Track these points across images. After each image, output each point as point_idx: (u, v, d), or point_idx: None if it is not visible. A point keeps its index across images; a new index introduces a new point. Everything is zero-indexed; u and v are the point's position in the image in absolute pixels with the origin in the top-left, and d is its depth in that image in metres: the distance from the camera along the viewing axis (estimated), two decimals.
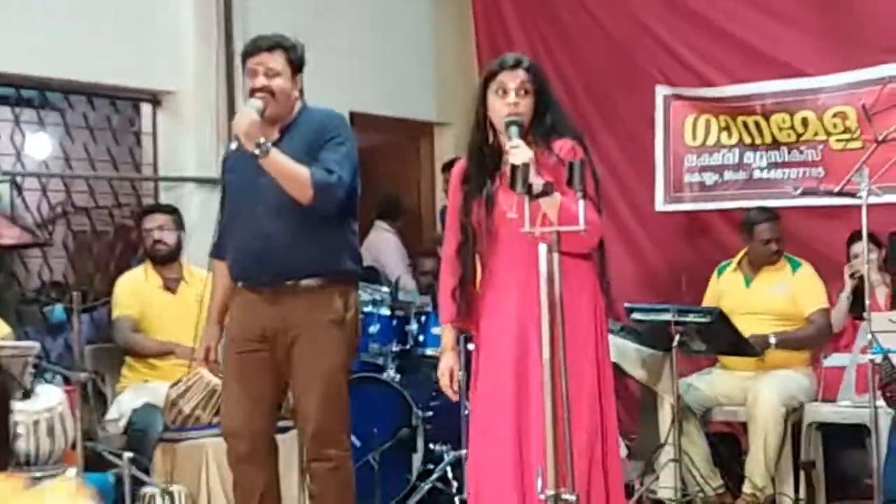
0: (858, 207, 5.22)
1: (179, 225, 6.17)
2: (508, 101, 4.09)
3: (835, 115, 6.96)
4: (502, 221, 4.07)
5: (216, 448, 5.19)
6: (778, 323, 6.17)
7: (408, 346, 6.36)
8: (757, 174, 7.32)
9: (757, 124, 7.26)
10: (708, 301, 6.45)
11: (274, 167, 4.31)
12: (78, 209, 7.00)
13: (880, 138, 5.45)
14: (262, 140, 4.26)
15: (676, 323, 5.78)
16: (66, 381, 5.23)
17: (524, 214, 3.74)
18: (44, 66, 6.32)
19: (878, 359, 5.10)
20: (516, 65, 4.14)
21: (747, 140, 7.31)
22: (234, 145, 4.28)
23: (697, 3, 7.46)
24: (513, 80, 4.12)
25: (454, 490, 6.00)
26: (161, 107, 7.05)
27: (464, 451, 5.98)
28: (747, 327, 6.05)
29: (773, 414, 5.83)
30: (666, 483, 5.91)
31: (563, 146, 4.10)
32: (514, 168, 3.80)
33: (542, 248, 3.69)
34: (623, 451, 5.04)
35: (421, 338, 6.37)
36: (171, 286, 6.10)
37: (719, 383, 6.23)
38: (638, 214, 7.60)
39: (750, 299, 6.27)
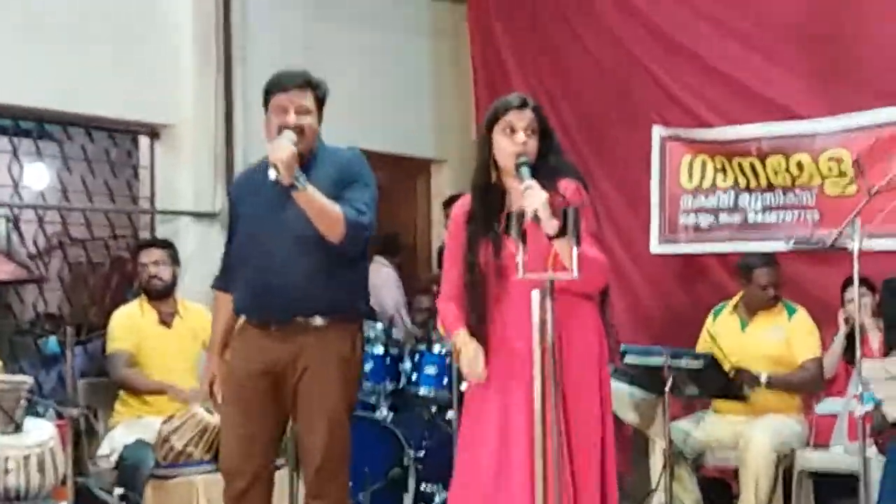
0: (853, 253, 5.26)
1: (175, 260, 6.17)
2: (517, 140, 4.10)
3: (830, 159, 6.98)
4: (510, 262, 4.01)
5: (207, 485, 5.19)
6: (771, 368, 6.17)
7: (401, 385, 6.35)
8: (752, 217, 7.33)
9: (752, 166, 7.28)
10: (703, 343, 6.46)
11: (309, 202, 4.29)
12: (74, 241, 7.02)
13: (872, 191, 5.49)
14: (299, 172, 4.25)
15: (669, 367, 5.79)
16: (59, 415, 5.23)
17: (519, 258, 3.74)
18: (42, 98, 6.35)
19: (869, 408, 5.10)
20: (523, 105, 4.14)
21: (742, 183, 7.33)
22: (273, 175, 4.19)
23: (695, 45, 7.49)
24: (521, 119, 4.12)
25: None
26: (159, 140, 7.08)
27: None
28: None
29: (764, 460, 5.82)
30: None
31: (567, 187, 4.11)
32: (508, 214, 3.82)
33: (536, 294, 3.69)
34: None
35: (414, 377, 6.36)
36: (166, 320, 6.11)
37: (711, 428, 6.22)
38: (633, 255, 7.61)
39: (745, 343, 6.28)
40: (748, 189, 7.33)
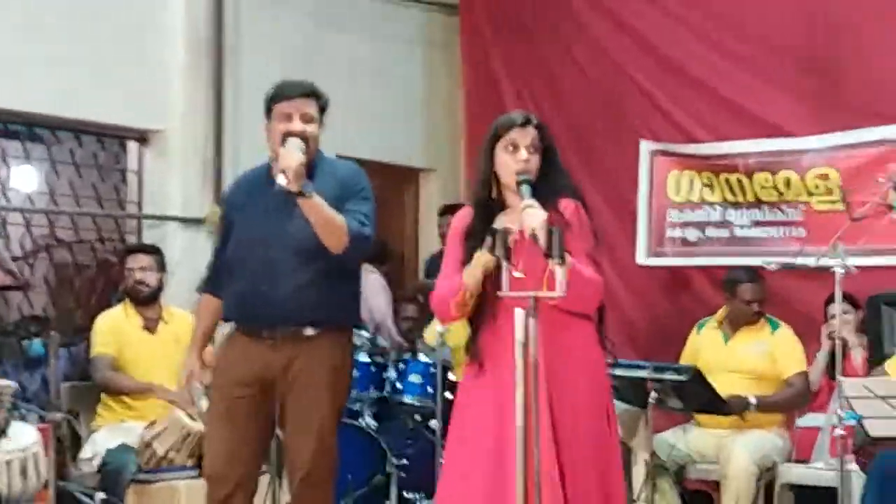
0: None
1: (162, 266, 6.17)
2: (519, 157, 4.08)
3: (817, 176, 7.01)
4: (509, 279, 3.95)
5: (189, 490, 5.20)
6: (754, 382, 6.19)
7: (385, 394, 6.36)
8: (739, 232, 7.36)
9: (739, 182, 7.31)
10: (686, 356, 6.48)
11: (315, 211, 4.29)
12: (61, 243, 7.02)
13: (855, 216, 5.55)
14: (307, 181, 4.26)
15: (653, 380, 5.79)
16: (41, 419, 5.22)
17: (504, 276, 3.75)
18: (32, 102, 6.36)
19: (851, 424, 5.11)
20: (527, 122, 4.13)
21: (730, 198, 7.36)
22: (281, 181, 4.19)
23: (685, 61, 7.51)
24: (524, 137, 4.10)
25: None
26: (148, 145, 7.09)
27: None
28: (723, 385, 6.04)
29: (745, 473, 5.84)
30: None
31: (567, 206, 4.11)
32: (493, 231, 3.84)
33: (519, 313, 3.70)
34: None
35: (399, 385, 6.37)
36: (150, 326, 6.10)
37: (694, 441, 6.24)
38: (619, 268, 7.62)
39: (728, 357, 6.30)
40: (735, 204, 7.36)
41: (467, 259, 4.12)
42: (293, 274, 4.42)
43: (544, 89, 8.14)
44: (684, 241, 7.51)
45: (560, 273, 3.79)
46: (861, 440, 5.26)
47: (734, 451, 5.91)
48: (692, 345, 6.51)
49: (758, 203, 7.26)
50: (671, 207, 7.55)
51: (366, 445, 6.11)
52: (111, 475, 5.52)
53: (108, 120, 6.80)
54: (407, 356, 6.54)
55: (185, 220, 7.02)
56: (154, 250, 6.25)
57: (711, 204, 7.45)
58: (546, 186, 4.09)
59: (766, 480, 5.96)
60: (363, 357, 6.30)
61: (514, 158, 4.09)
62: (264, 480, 4.99)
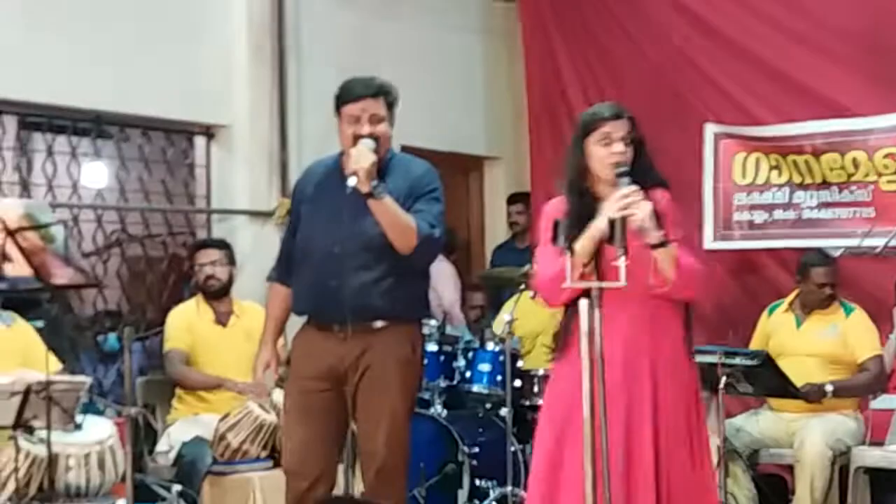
0: None
1: (231, 260, 6.23)
2: (615, 150, 4.12)
3: (886, 156, 6.95)
4: (608, 269, 4.03)
5: (263, 482, 5.25)
6: (827, 366, 6.13)
7: (455, 382, 6.38)
8: (807, 213, 7.31)
9: (807, 163, 7.25)
10: (757, 340, 6.44)
11: (384, 211, 4.32)
12: (132, 238, 7.10)
13: None
14: (378, 181, 4.29)
15: (723, 365, 5.77)
16: (118, 412, 5.30)
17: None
18: (100, 99, 6.44)
19: None
20: (619, 115, 4.17)
21: (797, 179, 7.30)
22: (352, 182, 4.24)
23: (748, 42, 7.46)
24: (618, 130, 4.14)
25: None
26: (214, 140, 7.15)
27: (510, 488, 6.02)
28: (796, 369, 6.02)
29: (819, 458, 5.81)
30: None
31: (663, 196, 4.15)
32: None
33: (583, 303, 3.70)
34: None
35: (468, 374, 6.38)
36: (222, 320, 6.17)
37: (766, 425, 6.20)
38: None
39: (800, 341, 6.25)
40: (803, 186, 7.30)
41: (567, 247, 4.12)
42: (361, 270, 4.45)
43: (606, 75, 8.11)
44: (751, 224, 7.46)
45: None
46: None
47: (808, 436, 5.87)
48: (763, 328, 6.47)
49: (826, 184, 7.21)
50: (737, 190, 7.51)
51: (437, 434, 6.14)
52: (187, 467, 5.59)
53: (175, 116, 6.87)
54: (476, 345, 6.55)
55: (252, 214, 7.08)
56: (223, 245, 6.31)
57: (778, 186, 7.40)
58: (638, 178, 4.10)
59: (841, 464, 5.91)
60: (432, 346, 6.31)
61: (609, 151, 4.12)
62: (339, 472, 5.04)
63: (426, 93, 7.79)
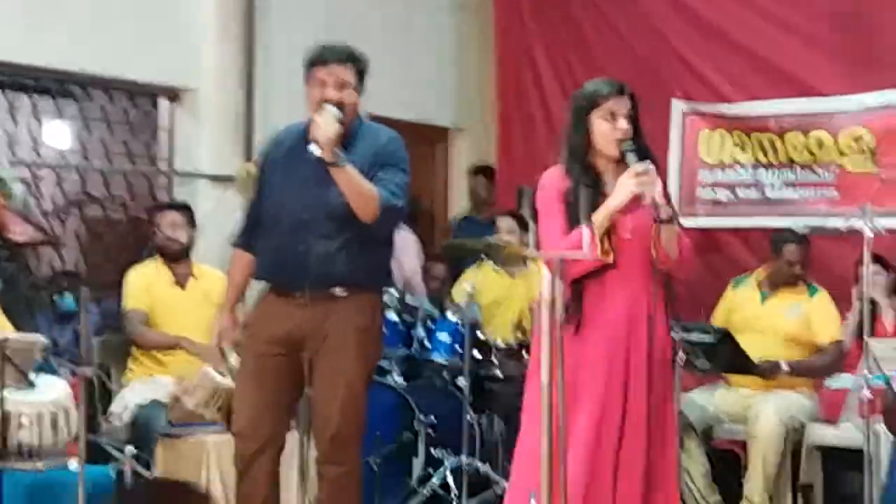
0: None
1: (192, 223, 6.20)
2: (620, 126, 4.20)
3: (850, 137, 6.97)
4: (620, 243, 4.18)
5: (218, 446, 5.22)
6: (786, 344, 6.16)
7: (413, 352, 6.37)
8: (770, 193, 7.34)
9: (772, 142, 7.28)
10: (720, 311, 6.45)
11: (347, 180, 4.31)
12: (92, 199, 7.05)
13: (884, 176, 5.52)
14: (340, 150, 4.27)
15: (681, 340, 5.77)
16: (72, 373, 5.27)
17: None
18: (64, 59, 6.38)
19: (879, 386, 5.11)
20: (622, 91, 4.25)
21: (762, 158, 7.33)
22: (315, 150, 4.22)
23: (718, 19, 7.47)
24: (621, 106, 4.22)
25: (453, 496, 6.03)
26: (179, 103, 7.09)
27: (465, 458, 6.02)
28: (755, 344, 6.04)
29: (773, 434, 5.84)
30: None
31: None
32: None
33: (546, 273, 3.72)
34: None
35: (427, 343, 6.37)
36: (181, 282, 6.14)
37: (722, 400, 6.23)
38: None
39: (763, 316, 6.27)
40: (768, 165, 7.33)
41: (571, 222, 4.19)
42: (325, 237, 4.44)
43: (576, 48, 8.11)
44: (715, 202, 7.48)
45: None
46: (890, 401, 5.25)
47: (762, 412, 5.90)
48: (727, 301, 6.48)
49: (790, 164, 7.24)
50: (702, 168, 7.52)
51: (394, 403, 6.13)
52: (141, 429, 5.57)
53: (140, 77, 6.81)
54: (435, 314, 6.54)
55: (215, 178, 7.03)
56: (184, 207, 6.28)
57: (743, 164, 7.43)
58: (637, 154, 4.20)
59: (794, 441, 5.95)
60: (392, 315, 6.31)
61: (614, 127, 4.19)
62: (293, 438, 5.03)
63: (395, 62, 7.75)
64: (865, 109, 6.93)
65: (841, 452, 5.85)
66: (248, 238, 4.74)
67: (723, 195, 7.49)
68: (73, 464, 4.75)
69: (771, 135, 7.23)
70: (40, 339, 4.96)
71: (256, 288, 4.82)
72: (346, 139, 4.40)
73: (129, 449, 5.07)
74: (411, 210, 8.02)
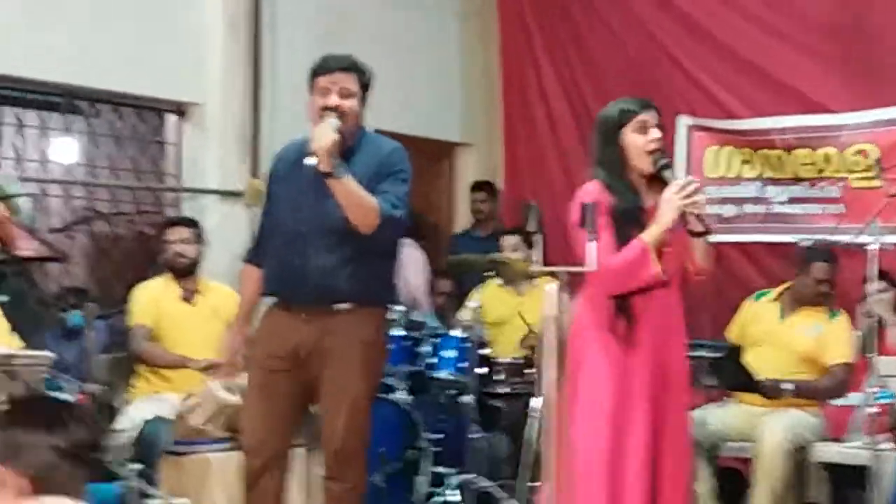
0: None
1: (200, 239, 6.22)
2: (651, 136, 4.33)
3: (856, 153, 6.97)
4: (660, 255, 4.28)
5: (223, 463, 5.22)
6: (800, 363, 6.09)
7: (419, 368, 6.37)
8: (777, 208, 7.34)
9: (779, 158, 7.29)
10: (736, 324, 6.38)
11: (344, 192, 4.31)
12: (99, 215, 7.07)
13: (892, 191, 5.53)
14: (338, 161, 4.27)
15: (688, 357, 5.76)
16: (79, 389, 5.27)
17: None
18: (71, 74, 6.40)
19: (886, 402, 5.11)
20: (650, 105, 4.40)
21: (768, 174, 7.33)
22: (312, 161, 4.23)
23: (724, 35, 7.49)
24: (651, 117, 4.36)
25: None
26: (186, 118, 7.11)
27: (470, 476, 6.02)
28: (768, 360, 6.05)
29: (779, 451, 5.81)
30: None
31: None
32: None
33: (552, 288, 3.73)
34: None
35: (433, 360, 6.37)
36: (188, 298, 6.16)
37: (729, 418, 6.19)
38: None
39: (780, 333, 6.19)
40: (774, 180, 7.33)
41: (619, 237, 4.28)
42: (326, 251, 4.44)
43: (583, 65, 8.14)
44: (721, 218, 7.47)
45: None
46: (895, 419, 5.25)
47: (767, 429, 5.88)
48: (745, 313, 6.39)
49: (796, 179, 7.24)
50: (708, 183, 7.51)
51: (399, 420, 6.12)
52: (146, 446, 5.57)
53: (147, 93, 6.84)
54: (442, 331, 6.54)
55: (222, 194, 7.05)
56: (193, 223, 6.30)
57: (749, 180, 7.43)
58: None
59: (800, 459, 5.93)
60: (398, 331, 6.30)
61: (647, 139, 4.32)
62: (299, 454, 5.03)
63: (401, 76, 7.78)
64: (872, 125, 6.93)
65: (846, 470, 5.82)
66: (257, 253, 4.75)
67: (729, 211, 7.48)
68: None
69: (778, 151, 7.24)
70: (48, 355, 4.96)
71: (266, 304, 4.82)
72: (349, 149, 4.42)
73: (134, 466, 5.07)
74: (417, 225, 8.08)
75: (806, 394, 6.04)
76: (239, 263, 4.93)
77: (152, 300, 6.10)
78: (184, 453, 5.38)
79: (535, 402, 4.90)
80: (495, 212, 8.37)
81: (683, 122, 7.58)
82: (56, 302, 6.77)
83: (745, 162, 7.42)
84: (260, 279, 4.70)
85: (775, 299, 6.34)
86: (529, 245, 6.83)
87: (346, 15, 7.69)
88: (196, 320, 6.10)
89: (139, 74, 6.65)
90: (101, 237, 7.12)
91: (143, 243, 7.10)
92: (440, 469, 6.12)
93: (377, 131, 4.86)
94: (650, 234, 4.22)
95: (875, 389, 5.32)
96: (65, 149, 7.29)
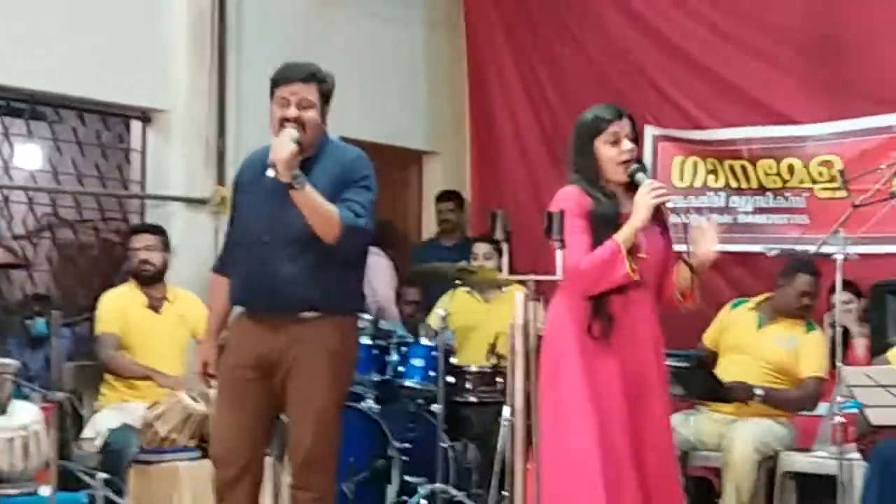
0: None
1: (166, 246, 6.18)
2: (624, 148, 4.38)
3: (821, 164, 7.01)
4: (635, 261, 4.34)
5: (190, 471, 5.20)
6: (772, 374, 6.12)
7: (387, 377, 6.35)
8: (742, 218, 7.37)
9: (743, 168, 7.32)
10: (712, 330, 6.41)
11: (306, 201, 4.28)
12: (64, 222, 7.01)
13: (857, 202, 5.58)
14: (298, 172, 4.25)
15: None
16: (44, 398, 5.22)
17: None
18: (35, 80, 6.34)
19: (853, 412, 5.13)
20: (622, 114, 4.42)
21: (734, 184, 7.37)
22: (270, 173, 4.20)
23: (690, 46, 7.51)
24: (622, 128, 4.40)
25: None
26: (151, 125, 7.07)
27: (439, 485, 6.00)
28: (742, 367, 6.09)
29: (747, 461, 5.83)
30: None
31: None
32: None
33: (519, 296, 3.74)
34: None
35: (401, 368, 6.35)
36: (155, 305, 6.12)
37: (698, 427, 6.21)
38: None
39: (755, 342, 6.22)
40: (739, 190, 7.37)
41: (596, 239, 4.32)
42: (289, 260, 4.41)
43: (549, 73, 8.14)
44: (687, 228, 7.48)
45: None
46: (863, 429, 5.27)
47: (736, 439, 5.90)
48: (721, 321, 6.42)
49: (761, 190, 7.28)
50: (674, 193, 7.51)
51: (367, 429, 6.10)
52: (113, 455, 5.53)
53: (112, 99, 6.78)
54: (409, 339, 6.52)
55: (187, 201, 7.00)
56: (159, 230, 6.26)
57: (715, 190, 7.47)
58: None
59: (768, 468, 5.95)
60: (365, 340, 6.27)
61: (619, 150, 4.38)
62: (267, 463, 5.00)
63: (367, 85, 7.77)
64: (836, 137, 6.98)
65: (815, 479, 5.85)
66: (224, 263, 4.72)
67: (694, 220, 7.48)
68: (45, 490, 4.71)
69: (743, 161, 7.28)
70: (11, 362, 4.92)
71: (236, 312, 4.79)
72: (311, 158, 4.40)
73: (101, 475, 5.03)
74: (384, 234, 8.06)
75: (776, 402, 6.06)
76: (204, 271, 4.91)
77: (119, 308, 6.06)
78: (151, 462, 5.36)
79: (506, 411, 4.88)
80: (462, 221, 8.37)
81: (650, 132, 7.60)
82: (20, 309, 6.72)
83: (710, 172, 7.46)
84: (228, 289, 4.67)
85: (754, 308, 6.37)
86: (500, 253, 6.82)
87: (314, 23, 7.67)
88: (163, 328, 6.07)
89: (104, 80, 6.60)
90: (65, 244, 7.06)
91: (107, 250, 7.04)
92: (409, 478, 6.11)
93: (344, 139, 4.84)
94: (622, 235, 4.28)
95: (842, 399, 5.33)
96: (28, 155, 7.23)
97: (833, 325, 6.16)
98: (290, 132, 4.30)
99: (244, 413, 4.52)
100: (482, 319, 6.84)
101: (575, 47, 8.02)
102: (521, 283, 4.12)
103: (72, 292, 6.87)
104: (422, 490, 6.06)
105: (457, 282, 6.47)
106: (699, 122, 7.46)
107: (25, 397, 5.32)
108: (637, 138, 4.50)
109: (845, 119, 6.95)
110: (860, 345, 6.36)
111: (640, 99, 7.63)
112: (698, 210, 7.48)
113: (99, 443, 5.66)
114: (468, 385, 6.38)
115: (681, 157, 7.55)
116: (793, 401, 6.13)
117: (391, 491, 6.09)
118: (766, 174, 7.23)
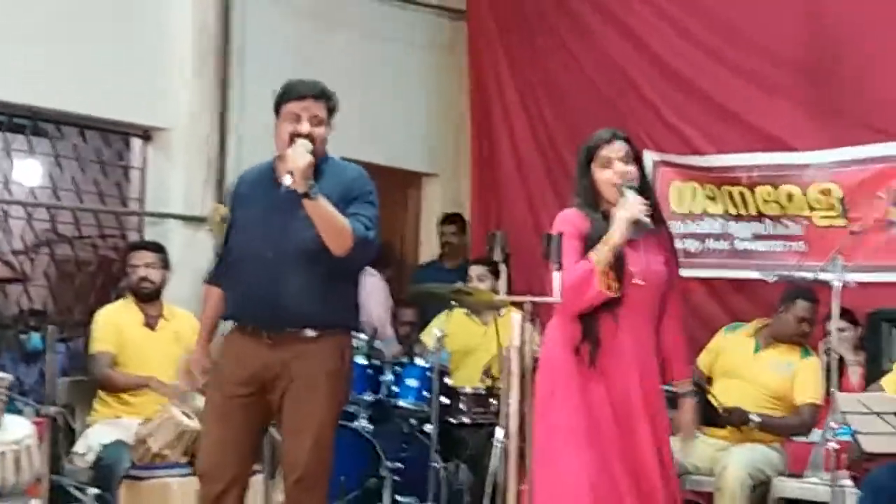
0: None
1: (166, 264, 6.19)
2: (616, 170, 4.47)
3: (819, 192, 7.01)
4: (628, 285, 4.40)
5: (182, 487, 5.19)
6: (768, 400, 6.11)
7: (381, 396, 6.35)
8: (740, 245, 7.37)
9: (742, 195, 7.32)
10: (706, 354, 6.41)
11: (320, 212, 4.29)
12: (62, 238, 7.02)
13: (854, 231, 5.58)
14: (313, 182, 4.26)
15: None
16: (37, 412, 5.22)
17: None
18: (37, 96, 6.37)
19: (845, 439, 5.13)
20: (614, 137, 4.53)
21: (732, 210, 7.37)
22: (287, 181, 4.21)
23: (691, 72, 7.52)
24: (615, 151, 4.49)
25: None
26: (152, 142, 7.09)
27: None
28: (738, 392, 6.08)
29: (738, 486, 5.81)
30: None
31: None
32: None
33: (516, 318, 3.74)
34: None
35: (395, 388, 6.35)
36: (151, 323, 6.12)
37: (691, 451, 6.20)
38: None
39: (751, 366, 6.21)
40: (737, 217, 7.37)
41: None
42: (295, 275, 4.42)
43: (549, 98, 8.16)
44: (685, 253, 7.48)
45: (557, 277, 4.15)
46: (855, 455, 5.26)
47: (728, 464, 5.88)
48: (717, 345, 6.42)
49: (759, 216, 7.27)
50: (673, 218, 7.53)
51: (360, 448, 6.09)
52: (104, 471, 5.53)
53: (113, 116, 6.81)
54: (404, 360, 6.52)
55: (186, 219, 7.02)
56: (158, 248, 6.27)
57: (713, 216, 7.47)
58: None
59: (760, 494, 5.93)
60: (360, 359, 6.28)
61: (612, 171, 4.48)
62: (258, 480, 5.00)
63: (367, 105, 7.78)
64: (835, 165, 6.98)
65: None
66: (218, 274, 4.72)
67: (692, 246, 7.51)
68: None
69: (742, 187, 7.28)
70: (5, 376, 4.92)
71: (224, 328, 4.79)
72: (314, 175, 4.38)
73: (93, 491, 5.03)
74: (383, 255, 8.07)
75: (771, 428, 6.06)
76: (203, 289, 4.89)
77: (115, 326, 6.06)
78: (143, 478, 5.35)
79: (499, 433, 4.89)
80: (465, 244, 8.37)
81: (649, 157, 7.59)
82: (15, 324, 6.73)
83: (709, 198, 7.46)
84: (221, 300, 4.68)
85: (752, 334, 6.36)
86: (496, 275, 6.83)
87: (315, 43, 7.69)
88: (158, 346, 6.06)
89: (105, 98, 6.63)
90: (63, 260, 7.07)
91: (105, 267, 7.05)
92: (401, 498, 6.10)
93: (345, 159, 4.85)
94: (597, 253, 4.34)
95: (835, 426, 5.33)
96: (28, 171, 7.25)
97: (828, 353, 6.17)
98: (305, 143, 4.33)
99: (231, 429, 4.52)
100: (478, 341, 6.84)
101: (576, 72, 8.03)
102: (517, 304, 4.14)
103: (68, 308, 6.87)
104: None
105: (452, 303, 6.46)
106: (699, 148, 7.46)
107: (18, 411, 5.33)
108: (638, 158, 4.58)
109: (845, 147, 6.95)
110: (855, 373, 6.36)
111: (641, 125, 7.64)
112: (697, 236, 7.50)
113: (91, 458, 5.66)
114: (462, 406, 6.38)
115: (679, 183, 7.55)
116: (788, 427, 6.13)
117: None
118: (765, 201, 7.23)
